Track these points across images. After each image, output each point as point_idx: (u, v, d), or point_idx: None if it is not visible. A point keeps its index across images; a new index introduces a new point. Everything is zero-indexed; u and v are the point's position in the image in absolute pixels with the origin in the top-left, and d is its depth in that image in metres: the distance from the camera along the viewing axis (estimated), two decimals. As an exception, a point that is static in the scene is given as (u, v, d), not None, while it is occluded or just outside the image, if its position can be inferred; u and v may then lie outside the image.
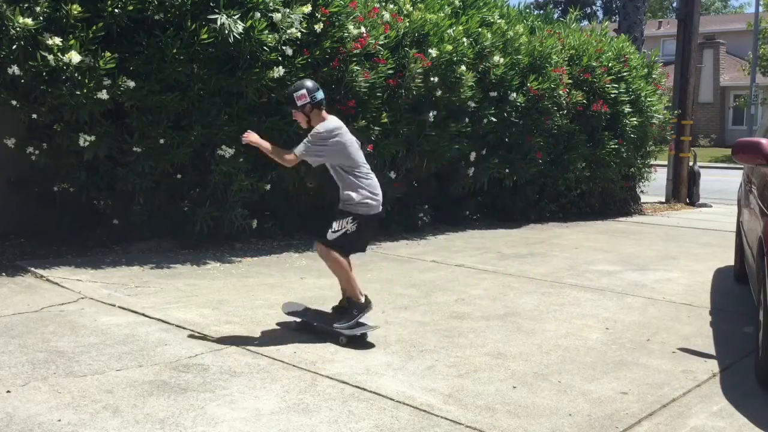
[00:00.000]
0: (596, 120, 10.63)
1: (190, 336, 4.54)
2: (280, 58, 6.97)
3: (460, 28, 8.74)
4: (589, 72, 10.56)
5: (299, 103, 4.55)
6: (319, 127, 4.53)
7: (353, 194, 4.55)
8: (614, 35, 12.45)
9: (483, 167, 9.35)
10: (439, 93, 8.43)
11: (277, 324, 4.86)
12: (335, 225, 4.60)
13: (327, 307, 5.21)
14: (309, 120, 4.61)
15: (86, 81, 6.12)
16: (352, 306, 4.61)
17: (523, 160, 9.79)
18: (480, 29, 9.10)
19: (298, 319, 4.81)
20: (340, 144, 4.53)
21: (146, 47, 6.52)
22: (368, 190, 4.59)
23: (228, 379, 3.82)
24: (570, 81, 10.26)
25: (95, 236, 7.06)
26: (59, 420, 3.25)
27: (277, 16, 6.84)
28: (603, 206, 11.49)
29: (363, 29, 7.62)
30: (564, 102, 10.06)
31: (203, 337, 4.52)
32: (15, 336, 4.39)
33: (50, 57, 5.90)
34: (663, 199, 13.73)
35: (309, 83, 4.63)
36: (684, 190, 13.79)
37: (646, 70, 11.73)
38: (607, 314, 5.38)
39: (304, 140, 4.55)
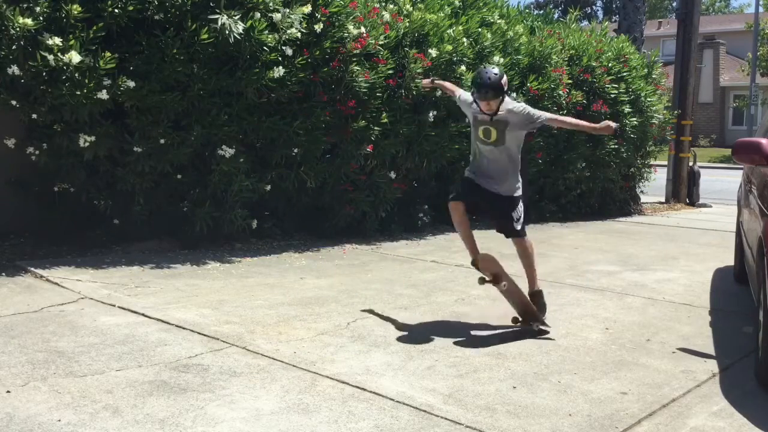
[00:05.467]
0: (596, 120, 10.62)
1: (190, 336, 4.54)
2: (280, 58, 6.97)
3: (460, 28, 8.74)
4: (589, 72, 10.56)
5: (506, 89, 4.65)
6: (516, 106, 4.71)
7: (519, 179, 4.72)
8: (614, 35, 12.46)
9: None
10: (439, 93, 8.43)
11: (277, 324, 4.86)
12: (515, 215, 4.72)
13: (328, 308, 5.21)
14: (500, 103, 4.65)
15: (86, 81, 6.11)
16: (540, 297, 4.91)
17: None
18: (480, 29, 9.10)
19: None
20: None
21: (146, 47, 6.52)
22: (523, 174, 4.79)
23: (228, 379, 3.82)
24: (570, 81, 10.27)
25: (95, 236, 7.06)
26: (59, 420, 3.25)
27: (277, 16, 6.84)
28: (603, 206, 11.50)
29: (363, 29, 7.62)
30: (564, 102, 10.06)
31: (203, 337, 4.52)
32: (15, 336, 4.39)
33: (50, 57, 5.89)
34: (663, 199, 13.73)
35: (497, 66, 4.89)
36: (684, 190, 13.79)
37: (645, 70, 11.74)
38: (607, 314, 5.38)
39: (530, 118, 4.67)
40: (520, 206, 4.78)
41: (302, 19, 7.05)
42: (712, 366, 4.26)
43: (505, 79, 4.65)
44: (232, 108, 7.02)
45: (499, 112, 4.67)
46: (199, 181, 7.16)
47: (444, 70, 8.39)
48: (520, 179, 4.80)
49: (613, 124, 4.64)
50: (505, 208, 4.79)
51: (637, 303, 5.77)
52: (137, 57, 6.51)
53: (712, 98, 37.77)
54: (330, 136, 7.67)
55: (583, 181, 10.90)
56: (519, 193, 4.79)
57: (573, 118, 5.02)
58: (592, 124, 4.84)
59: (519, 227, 4.78)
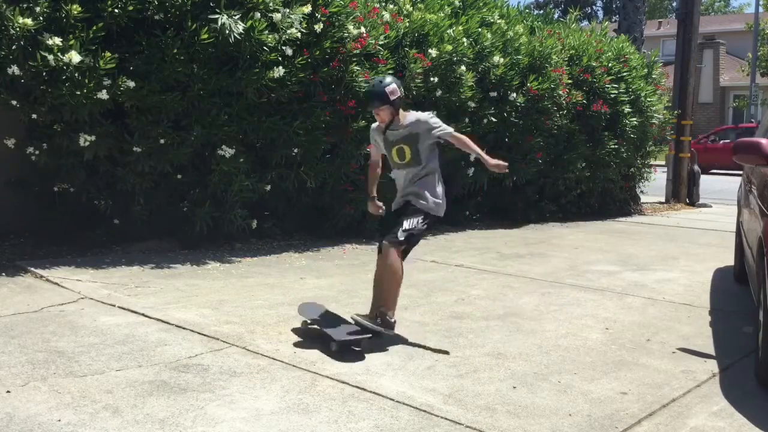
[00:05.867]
0: (596, 120, 10.64)
1: (190, 336, 4.54)
2: (280, 58, 6.97)
3: (460, 28, 8.74)
4: (589, 72, 10.56)
5: (392, 98, 4.41)
6: (423, 115, 4.56)
7: (430, 192, 4.48)
8: (614, 35, 12.46)
9: (483, 167, 9.34)
10: (439, 93, 8.43)
11: (277, 324, 4.86)
12: (407, 224, 4.37)
13: (327, 308, 5.20)
14: (395, 114, 4.51)
15: (86, 81, 6.11)
16: (383, 322, 4.41)
17: (523, 160, 9.79)
18: (480, 29, 9.10)
19: (309, 320, 4.64)
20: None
21: (146, 47, 6.52)
22: (442, 189, 4.56)
23: (228, 379, 3.82)
24: (570, 81, 10.27)
25: (95, 236, 7.06)
26: (59, 420, 3.25)
27: (277, 17, 6.84)
28: (603, 206, 11.50)
29: (363, 29, 7.62)
30: (564, 102, 10.07)
31: (203, 337, 4.52)
32: (15, 336, 4.39)
33: (50, 57, 5.89)
34: (663, 199, 13.74)
35: (393, 77, 4.57)
36: (684, 190, 13.80)
37: (645, 70, 11.75)
38: (607, 314, 5.38)
39: (434, 125, 4.48)
40: (419, 221, 4.42)
41: (302, 19, 7.05)
42: (712, 366, 4.26)
43: (392, 87, 4.42)
44: (232, 108, 7.02)
45: (406, 126, 4.50)
46: (199, 181, 7.15)
47: (444, 70, 8.40)
48: (437, 197, 4.52)
49: (504, 164, 4.53)
50: (402, 215, 4.47)
51: (637, 303, 5.77)
52: (137, 57, 6.51)
53: (712, 98, 37.78)
54: (330, 136, 7.66)
55: (583, 181, 10.90)
56: (428, 209, 4.48)
57: (474, 145, 4.59)
58: (486, 157, 4.51)
59: (400, 236, 4.36)
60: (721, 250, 8.32)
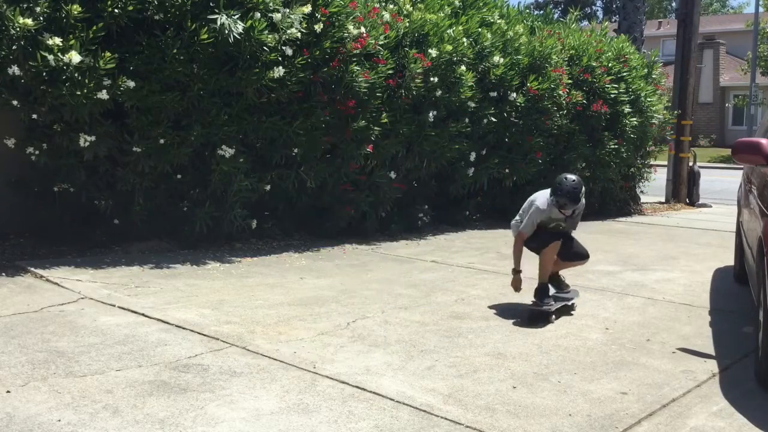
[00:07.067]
0: (596, 120, 10.63)
1: (190, 336, 4.54)
2: (280, 58, 6.97)
3: (460, 28, 8.74)
4: (589, 72, 10.56)
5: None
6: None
7: None
8: (614, 35, 12.46)
9: (483, 167, 9.35)
10: (439, 93, 8.43)
11: (277, 324, 4.86)
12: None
13: (328, 308, 5.21)
14: None
15: (86, 81, 6.11)
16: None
17: (523, 160, 9.79)
18: (480, 29, 9.10)
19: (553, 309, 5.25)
20: None
21: (146, 47, 6.52)
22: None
23: (228, 379, 3.82)
24: (570, 81, 10.26)
25: (95, 236, 7.05)
26: (59, 420, 3.25)
27: (277, 16, 6.84)
28: (603, 206, 11.50)
29: (363, 29, 7.62)
30: (564, 102, 10.06)
31: (203, 337, 4.52)
32: (15, 336, 4.39)
33: (50, 57, 5.90)
34: (663, 199, 13.74)
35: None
36: (684, 190, 13.80)
37: (645, 70, 11.74)
38: (607, 314, 5.38)
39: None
40: None
41: (302, 19, 7.05)
42: (712, 366, 4.26)
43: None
44: (232, 108, 7.02)
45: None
46: (199, 181, 7.15)
47: (444, 70, 8.39)
48: None
49: None
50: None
51: (637, 303, 5.77)
52: (137, 57, 6.51)
53: (712, 98, 37.79)
54: (330, 136, 7.66)
55: (583, 181, 10.89)
56: None
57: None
58: None
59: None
60: (721, 250, 8.32)
